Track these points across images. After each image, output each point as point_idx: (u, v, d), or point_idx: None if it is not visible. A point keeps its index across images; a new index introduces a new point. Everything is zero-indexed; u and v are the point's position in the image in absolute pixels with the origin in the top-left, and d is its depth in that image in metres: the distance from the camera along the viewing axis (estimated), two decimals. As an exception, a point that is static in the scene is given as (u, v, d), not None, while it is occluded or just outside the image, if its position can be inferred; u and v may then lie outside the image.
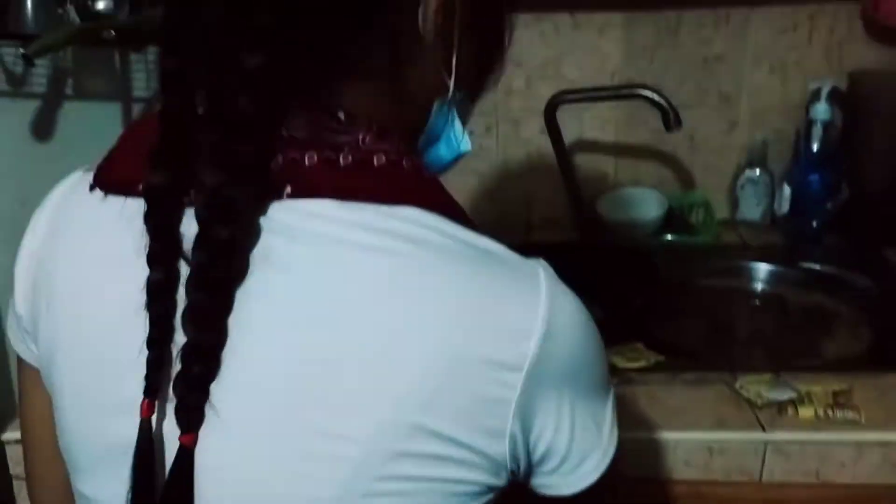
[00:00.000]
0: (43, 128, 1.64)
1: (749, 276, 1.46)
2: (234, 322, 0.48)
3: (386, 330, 0.48)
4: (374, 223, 0.49)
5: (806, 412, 1.00)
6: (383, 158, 0.51)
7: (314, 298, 0.48)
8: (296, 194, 0.48)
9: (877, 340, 1.26)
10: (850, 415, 0.99)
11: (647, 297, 1.31)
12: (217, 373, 0.48)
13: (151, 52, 1.52)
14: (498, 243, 0.53)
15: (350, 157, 0.50)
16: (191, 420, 0.48)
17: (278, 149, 0.49)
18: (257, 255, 0.48)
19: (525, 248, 0.54)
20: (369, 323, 0.48)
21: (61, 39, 1.31)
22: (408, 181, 0.53)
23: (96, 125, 1.60)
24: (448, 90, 0.56)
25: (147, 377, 0.50)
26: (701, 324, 1.38)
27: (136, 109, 1.61)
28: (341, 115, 0.51)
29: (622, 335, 1.19)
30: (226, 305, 0.48)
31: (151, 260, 0.49)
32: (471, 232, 0.52)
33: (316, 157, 0.49)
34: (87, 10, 1.47)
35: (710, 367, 1.13)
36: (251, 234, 0.48)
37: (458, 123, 0.59)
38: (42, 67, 1.55)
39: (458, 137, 0.59)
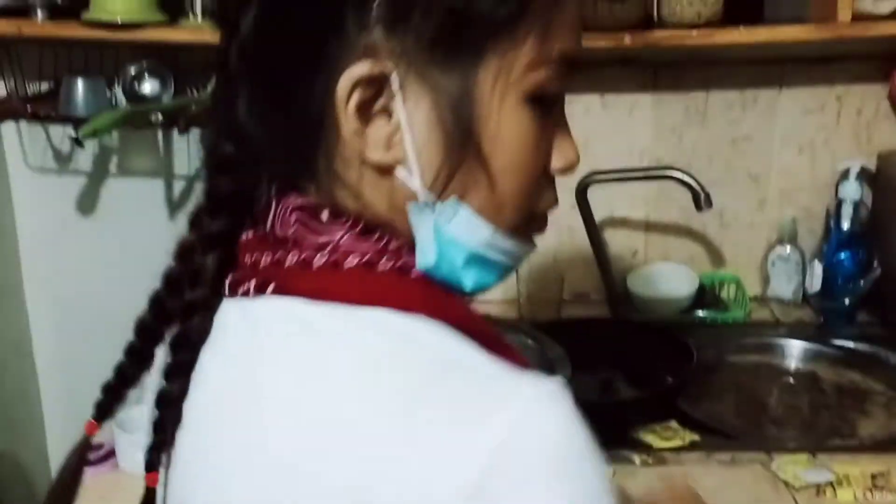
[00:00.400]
0: (87, 203, 1.70)
1: (782, 353, 1.46)
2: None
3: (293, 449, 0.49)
4: (332, 325, 0.51)
5: (845, 495, 0.99)
6: (355, 261, 0.53)
7: (244, 391, 0.53)
8: (275, 292, 0.53)
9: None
10: (889, 497, 0.98)
11: (681, 374, 1.32)
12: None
13: (193, 133, 1.58)
14: (487, 357, 0.49)
15: (324, 259, 0.53)
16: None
17: (267, 247, 0.54)
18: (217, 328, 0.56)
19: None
20: (285, 431, 0.49)
21: (111, 123, 1.37)
22: (381, 283, 0.53)
23: (140, 202, 1.66)
24: (417, 196, 0.54)
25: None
26: (734, 401, 1.37)
27: (178, 187, 1.66)
28: (324, 215, 0.54)
29: (656, 413, 1.19)
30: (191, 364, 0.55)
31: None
32: (450, 338, 0.50)
33: (295, 258, 0.53)
34: (134, 93, 1.54)
35: (745, 446, 1.12)
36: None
37: (423, 233, 0.55)
38: (88, 146, 1.62)
39: (423, 247, 0.55)
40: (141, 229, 1.62)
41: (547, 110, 0.56)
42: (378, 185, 0.55)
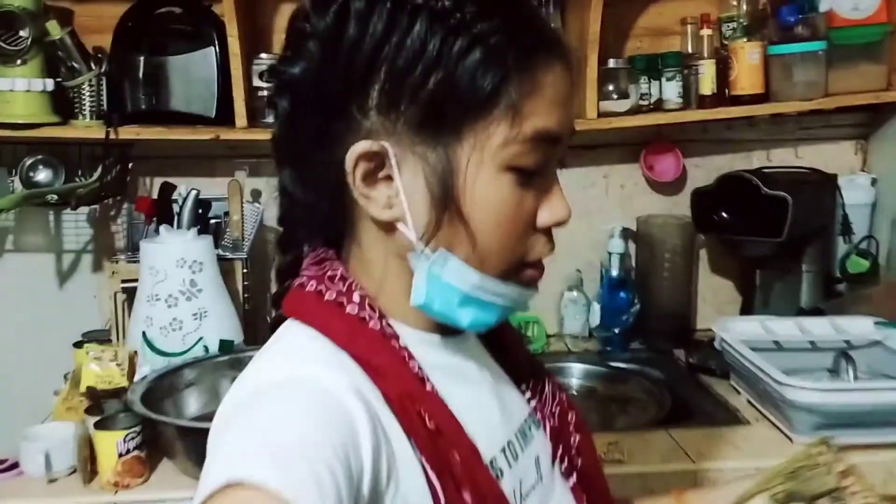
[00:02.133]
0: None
1: (571, 374, 1.83)
2: None
3: None
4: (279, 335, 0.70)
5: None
6: (312, 288, 0.70)
7: None
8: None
9: (660, 414, 1.62)
10: (616, 456, 1.35)
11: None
12: None
13: (81, 213, 1.86)
14: (313, 363, 0.64)
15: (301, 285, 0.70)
16: None
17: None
18: None
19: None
20: None
21: (11, 204, 1.64)
22: (319, 309, 0.68)
23: (33, 276, 1.91)
24: (413, 247, 0.66)
25: None
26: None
27: (67, 260, 1.93)
28: (338, 269, 0.70)
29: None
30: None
31: None
32: (311, 348, 0.66)
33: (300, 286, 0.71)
34: (29, 181, 1.81)
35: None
36: None
37: (418, 276, 0.66)
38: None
39: (417, 288, 0.66)
40: (35, 299, 1.88)
41: (527, 177, 0.65)
42: (380, 238, 0.68)
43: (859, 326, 1.60)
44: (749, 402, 1.55)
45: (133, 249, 1.78)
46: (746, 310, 1.85)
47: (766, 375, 1.40)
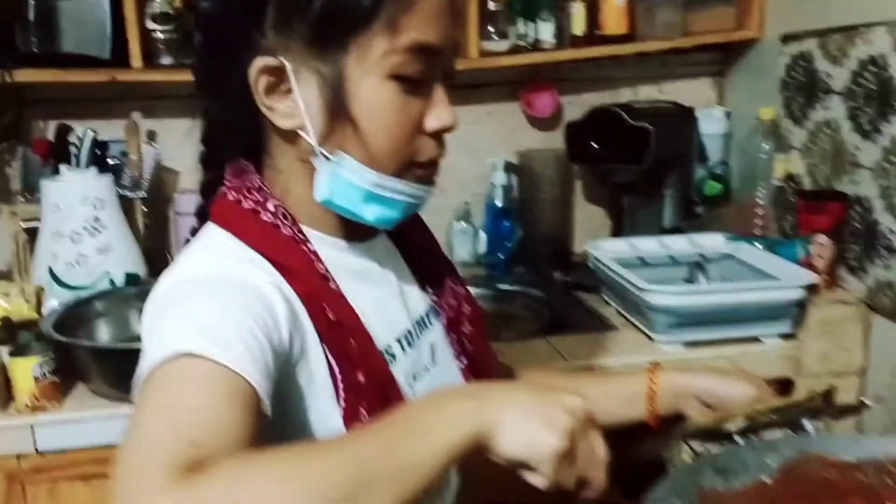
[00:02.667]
0: None
1: (461, 298, 1.98)
2: None
3: None
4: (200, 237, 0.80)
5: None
6: (231, 198, 0.80)
7: None
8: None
9: (540, 326, 1.79)
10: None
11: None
12: None
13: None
14: (231, 259, 0.75)
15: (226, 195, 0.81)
16: None
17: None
18: None
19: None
20: None
21: None
22: (237, 215, 0.78)
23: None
24: (315, 152, 0.76)
25: None
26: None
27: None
28: (251, 182, 0.80)
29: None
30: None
31: None
32: (230, 248, 0.76)
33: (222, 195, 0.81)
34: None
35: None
36: None
37: (321, 176, 0.76)
38: None
39: (319, 187, 0.77)
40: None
41: (411, 86, 0.74)
42: (286, 146, 0.78)
43: (712, 241, 1.80)
44: (617, 311, 1.74)
45: (30, 191, 1.81)
46: (616, 232, 2.03)
47: (630, 285, 1.57)
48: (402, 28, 0.73)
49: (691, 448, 0.89)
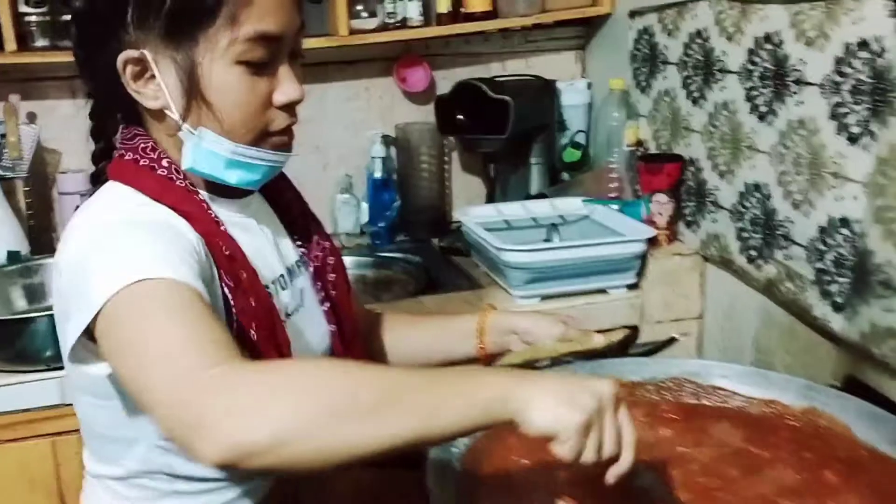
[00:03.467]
0: None
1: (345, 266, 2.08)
2: None
3: None
4: (106, 186, 0.92)
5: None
6: (129, 158, 0.92)
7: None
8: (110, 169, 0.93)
9: (417, 291, 1.91)
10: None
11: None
12: None
13: None
14: (138, 205, 0.88)
15: (124, 156, 0.92)
16: None
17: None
18: None
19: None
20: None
21: None
22: (134, 172, 0.90)
23: None
24: (179, 127, 0.89)
25: None
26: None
27: None
28: (136, 138, 0.92)
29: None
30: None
31: None
32: (134, 198, 0.88)
33: (118, 154, 0.93)
34: None
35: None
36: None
37: (186, 147, 0.89)
38: None
39: (185, 157, 0.90)
40: None
41: (256, 68, 0.87)
42: (157, 122, 0.91)
43: (570, 205, 1.95)
44: (485, 272, 1.87)
45: None
46: (489, 200, 2.17)
47: (490, 246, 1.71)
48: (243, 20, 0.85)
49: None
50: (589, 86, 2.23)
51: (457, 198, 2.30)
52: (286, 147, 0.94)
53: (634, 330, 1.13)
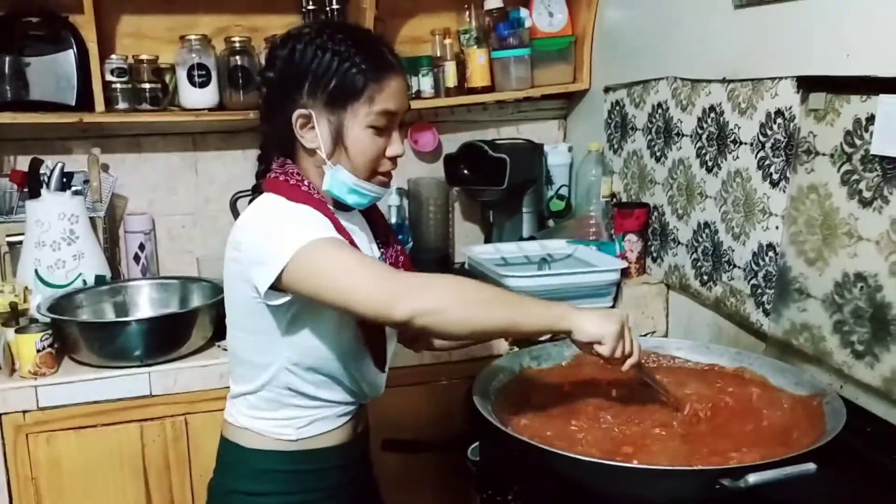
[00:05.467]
0: None
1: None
2: None
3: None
4: (265, 195, 1.32)
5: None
6: (282, 179, 1.31)
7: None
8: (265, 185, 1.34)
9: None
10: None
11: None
12: None
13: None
14: (299, 208, 1.27)
15: (278, 178, 1.32)
16: None
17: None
18: None
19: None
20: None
21: None
22: (286, 187, 1.29)
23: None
24: (325, 162, 1.29)
25: None
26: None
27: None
28: (289, 166, 1.33)
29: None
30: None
31: None
32: (290, 204, 1.27)
33: (273, 176, 1.33)
34: None
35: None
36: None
37: (327, 176, 1.29)
38: None
39: (326, 182, 1.30)
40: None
41: (379, 131, 1.28)
42: (310, 158, 1.31)
43: (557, 245, 2.34)
44: (486, 298, 2.24)
45: (7, 213, 2.18)
46: (487, 241, 2.56)
47: (493, 274, 2.09)
48: (377, 101, 1.27)
49: (514, 345, 1.43)
50: (570, 148, 2.65)
51: (459, 240, 2.69)
52: (387, 185, 1.36)
53: None
